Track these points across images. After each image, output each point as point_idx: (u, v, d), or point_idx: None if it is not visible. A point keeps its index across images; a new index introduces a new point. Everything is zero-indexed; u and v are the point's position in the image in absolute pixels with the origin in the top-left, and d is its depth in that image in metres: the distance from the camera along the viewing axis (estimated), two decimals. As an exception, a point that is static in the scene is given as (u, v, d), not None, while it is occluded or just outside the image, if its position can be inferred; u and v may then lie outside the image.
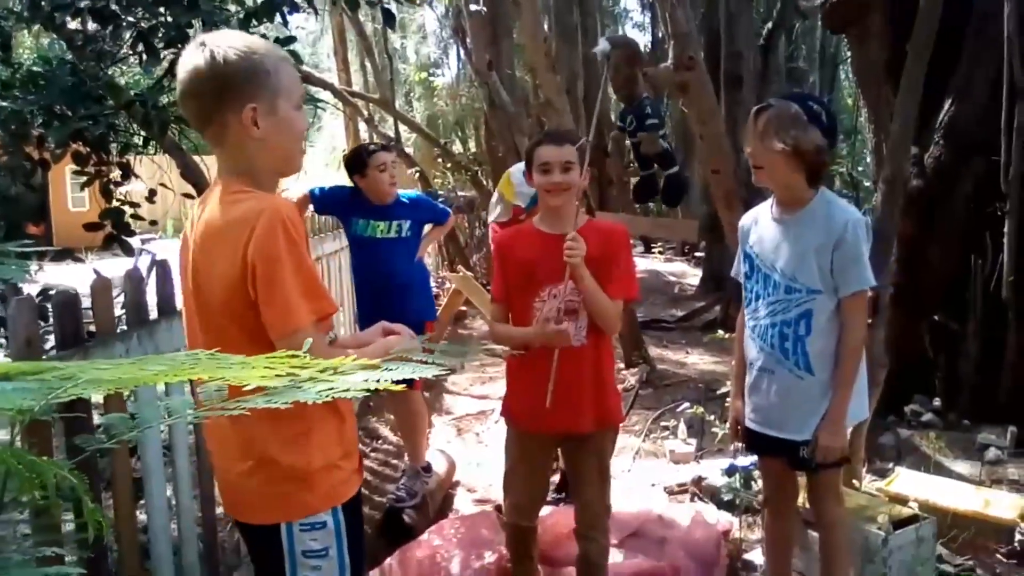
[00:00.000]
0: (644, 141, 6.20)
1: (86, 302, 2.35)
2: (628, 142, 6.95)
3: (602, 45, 3.94)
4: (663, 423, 5.23)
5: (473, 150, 15.77)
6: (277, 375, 0.85)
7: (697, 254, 13.14)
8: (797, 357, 2.53)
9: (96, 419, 2.44)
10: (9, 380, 0.88)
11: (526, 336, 2.59)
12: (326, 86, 10.89)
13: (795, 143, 2.42)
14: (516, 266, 2.67)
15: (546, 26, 10.99)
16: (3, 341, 4.00)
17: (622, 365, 6.41)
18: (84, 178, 3.76)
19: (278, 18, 3.43)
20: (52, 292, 2.64)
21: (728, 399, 4.34)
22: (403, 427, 4.25)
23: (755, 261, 2.65)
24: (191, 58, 1.66)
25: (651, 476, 4.38)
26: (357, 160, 3.83)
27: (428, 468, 4.07)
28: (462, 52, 13.18)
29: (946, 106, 5.01)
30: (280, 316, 1.60)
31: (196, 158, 4.15)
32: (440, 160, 13.93)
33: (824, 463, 2.52)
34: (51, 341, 2.30)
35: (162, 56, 3.33)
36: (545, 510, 3.14)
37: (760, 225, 2.68)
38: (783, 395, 2.57)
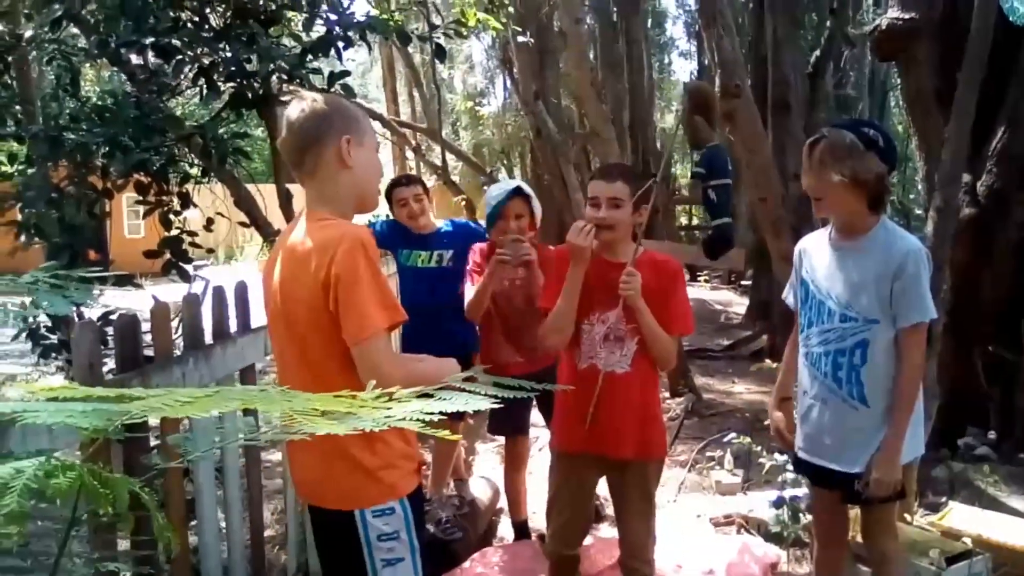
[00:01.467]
0: (689, 187, 6.23)
1: (144, 326, 2.42)
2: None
3: (680, 89, 4.01)
4: (709, 454, 5.17)
5: (519, 177, 15.88)
6: (338, 411, 0.89)
7: (744, 283, 13.04)
8: (851, 387, 2.49)
9: (152, 441, 2.52)
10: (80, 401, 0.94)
11: (570, 282, 2.62)
12: (375, 116, 11.10)
13: (852, 173, 2.38)
14: None
15: (592, 56, 11.09)
16: (62, 363, 4.15)
17: (667, 394, 6.37)
18: (141, 207, 3.89)
19: (332, 52, 3.54)
20: (113, 316, 2.73)
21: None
22: (437, 455, 4.24)
23: (810, 288, 2.62)
24: (294, 107, 1.96)
25: (697, 507, 4.33)
26: (386, 196, 3.89)
27: (456, 497, 4.11)
28: (509, 82, 13.33)
29: (998, 133, 4.94)
30: (357, 323, 1.81)
31: (250, 187, 4.26)
32: (486, 188, 14.05)
33: (878, 497, 2.47)
34: (111, 364, 2.38)
35: (222, 89, 3.44)
36: (588, 540, 3.13)
37: (816, 252, 2.65)
38: (836, 425, 2.53)
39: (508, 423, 3.70)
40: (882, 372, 2.46)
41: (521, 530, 3.93)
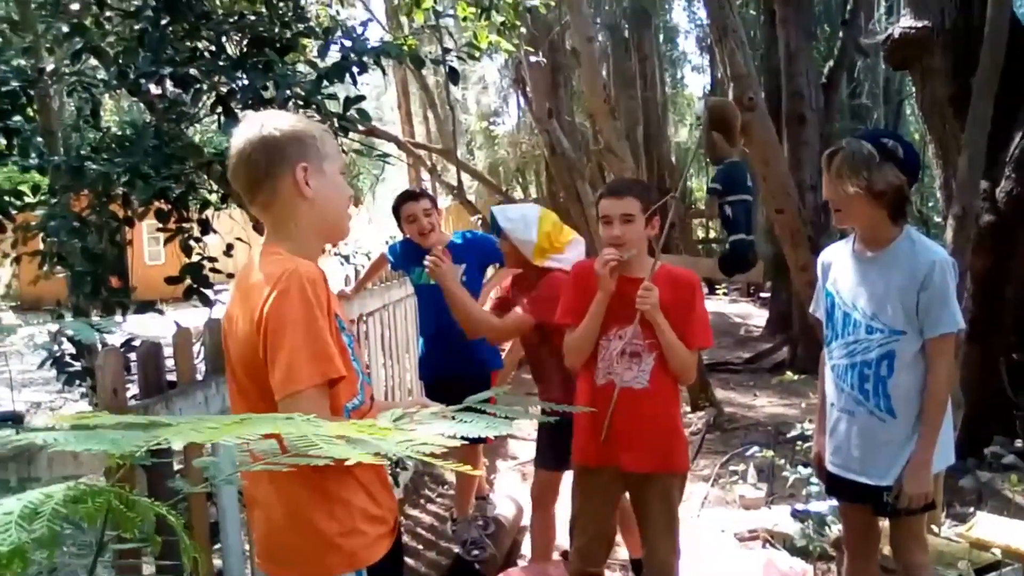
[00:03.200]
0: (706, 203, 6.22)
1: (166, 351, 2.45)
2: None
3: (699, 106, 4.00)
4: (732, 468, 5.14)
5: (534, 196, 15.93)
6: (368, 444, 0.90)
7: (763, 295, 12.98)
8: (879, 399, 2.47)
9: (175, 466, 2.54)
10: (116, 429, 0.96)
11: (595, 305, 2.62)
12: (390, 138, 11.18)
13: (868, 184, 2.38)
14: (589, 296, 2.67)
15: (605, 73, 11.15)
16: (85, 390, 4.20)
17: (688, 408, 6.34)
18: (162, 234, 3.94)
19: (348, 78, 3.59)
20: (135, 343, 2.77)
21: (798, 442, 4.29)
22: (460, 477, 4.21)
23: (835, 299, 2.61)
24: (243, 132, 1.76)
25: (721, 522, 4.30)
26: (393, 213, 3.87)
27: (480, 517, 4.07)
28: (522, 101, 13.40)
29: (1016, 139, 4.91)
30: (283, 377, 1.59)
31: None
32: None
33: (910, 509, 2.45)
34: (133, 389, 2.41)
35: (240, 117, 3.50)
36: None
37: (840, 263, 2.64)
38: (864, 438, 2.51)
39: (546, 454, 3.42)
40: (909, 383, 2.44)
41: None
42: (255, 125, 1.74)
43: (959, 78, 5.08)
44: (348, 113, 3.45)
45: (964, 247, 4.00)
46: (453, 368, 3.78)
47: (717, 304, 13.66)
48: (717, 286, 15.43)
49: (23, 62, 4.00)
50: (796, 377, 5.11)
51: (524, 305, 3.04)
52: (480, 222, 11.28)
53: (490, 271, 4.19)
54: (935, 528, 3.48)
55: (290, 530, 1.76)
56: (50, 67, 3.84)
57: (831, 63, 10.86)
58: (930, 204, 15.51)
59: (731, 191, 5.77)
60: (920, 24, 5.26)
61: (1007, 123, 4.80)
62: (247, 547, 2.85)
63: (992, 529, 3.55)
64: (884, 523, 2.74)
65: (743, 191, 5.70)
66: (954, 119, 5.21)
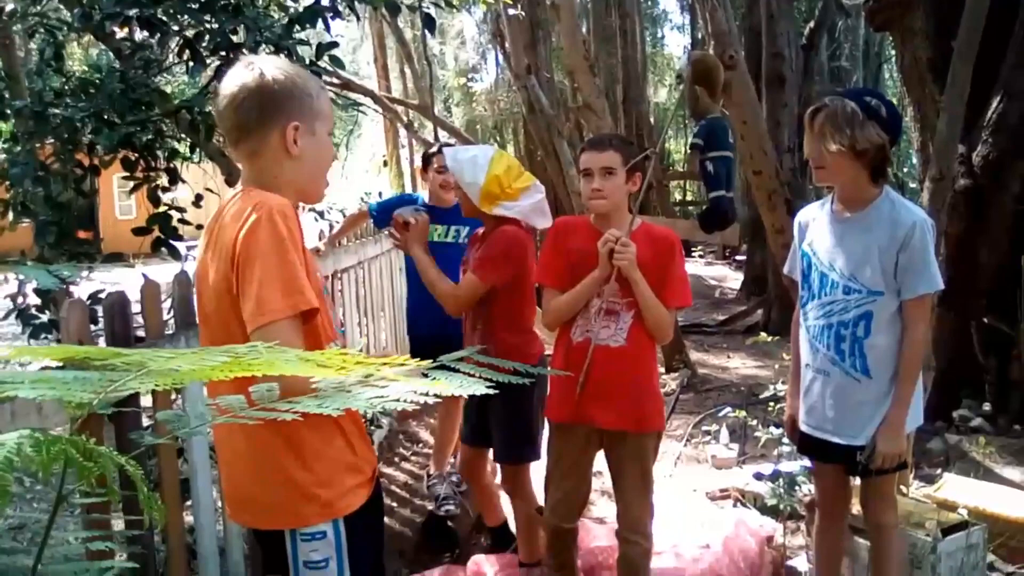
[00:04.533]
0: (687, 159, 6.19)
1: (135, 306, 2.39)
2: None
3: (682, 60, 3.92)
4: (705, 428, 5.18)
5: (512, 153, 15.81)
6: (332, 369, 0.86)
7: (738, 257, 13.03)
8: (855, 359, 2.47)
9: (144, 420, 2.49)
10: (76, 368, 0.91)
11: (589, 282, 2.57)
12: (366, 92, 11.00)
13: (852, 142, 2.36)
14: (568, 254, 2.67)
15: (584, 29, 11.01)
16: (54, 344, 4.11)
17: (663, 370, 6.37)
18: (132, 184, 3.84)
19: (320, 24, 3.48)
20: (102, 296, 2.70)
21: (771, 403, 4.32)
22: (440, 434, 4.19)
23: (811, 260, 2.60)
24: (239, 74, 1.71)
25: (693, 481, 4.34)
26: (424, 158, 3.88)
27: (454, 473, 4.05)
28: (500, 57, 13.23)
29: (994, 103, 4.90)
30: (254, 307, 1.56)
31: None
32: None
33: (882, 469, 2.47)
34: (101, 343, 2.35)
35: (208, 63, 3.39)
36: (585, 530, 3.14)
37: (818, 223, 2.62)
38: (839, 398, 2.51)
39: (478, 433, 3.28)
40: (885, 344, 2.45)
41: (500, 537, 3.52)
42: (253, 71, 1.69)
43: (940, 40, 5.05)
44: (321, 60, 3.36)
45: (940, 210, 4.00)
46: (449, 329, 3.72)
47: (692, 266, 13.69)
48: (693, 248, 15.47)
49: (-18, 1, 3.85)
50: (770, 339, 5.12)
51: (473, 268, 2.91)
52: (456, 180, 11.18)
53: None
54: (903, 489, 3.52)
55: (263, 480, 1.73)
56: (10, 6, 3.69)
57: (811, 24, 10.79)
58: (904, 170, 15.60)
59: (713, 147, 5.73)
60: (903, -15, 5.21)
61: (985, 87, 4.79)
62: (219, 503, 2.82)
63: (959, 490, 3.60)
64: (855, 483, 2.76)
65: (725, 147, 5.65)
66: (933, 82, 5.19)
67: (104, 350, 0.80)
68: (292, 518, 1.73)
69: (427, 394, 1.08)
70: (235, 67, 1.75)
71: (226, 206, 1.72)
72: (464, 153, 3.01)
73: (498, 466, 3.31)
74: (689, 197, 21.97)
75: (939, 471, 4.09)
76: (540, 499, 3.05)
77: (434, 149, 3.94)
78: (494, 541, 3.53)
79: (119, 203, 20.11)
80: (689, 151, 6.21)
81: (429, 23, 3.70)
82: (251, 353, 0.81)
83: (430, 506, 3.97)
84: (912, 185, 12.44)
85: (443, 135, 12.75)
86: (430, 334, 3.73)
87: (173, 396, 2.62)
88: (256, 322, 1.56)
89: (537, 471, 3.07)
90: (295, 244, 1.62)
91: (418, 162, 4.11)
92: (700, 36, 16.78)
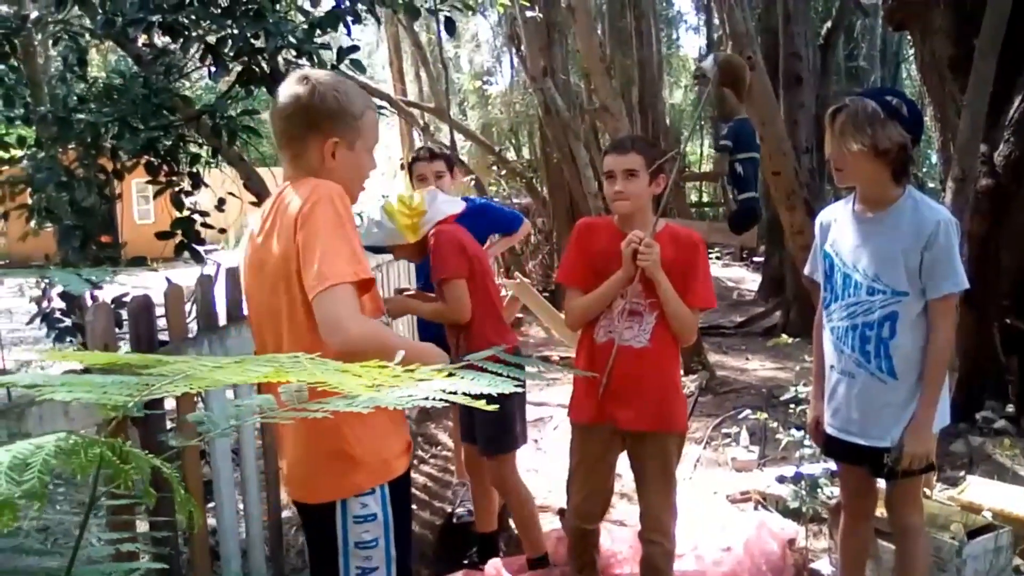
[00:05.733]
0: (716, 161, 6.15)
1: (158, 309, 2.41)
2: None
3: (708, 62, 3.88)
4: (725, 430, 5.15)
5: (527, 157, 15.80)
6: (370, 381, 0.86)
7: (756, 259, 12.97)
8: (880, 360, 2.45)
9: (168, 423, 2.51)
10: (110, 373, 0.91)
11: (613, 282, 2.58)
12: (382, 96, 11.02)
13: (873, 142, 2.35)
14: (591, 255, 2.68)
15: (600, 31, 10.99)
16: (78, 347, 4.15)
17: (682, 371, 6.35)
18: (151, 189, 3.87)
19: (341, 28, 3.49)
20: (126, 299, 2.72)
21: (791, 405, 4.29)
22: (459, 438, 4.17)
23: (834, 261, 2.58)
24: (294, 87, 1.89)
25: (713, 484, 4.32)
26: (408, 168, 3.73)
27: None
28: (516, 59, 13.23)
29: (1016, 102, 4.86)
30: (318, 271, 1.70)
31: (260, 171, 4.22)
32: (495, 167, 13.99)
33: (909, 470, 2.45)
34: (125, 346, 2.37)
35: (230, 67, 3.41)
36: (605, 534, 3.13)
37: (840, 224, 2.60)
38: (864, 399, 2.49)
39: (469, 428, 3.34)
40: (911, 344, 2.42)
41: (486, 545, 3.47)
42: (307, 84, 1.88)
43: (960, 39, 5.01)
44: (342, 64, 3.37)
45: (963, 210, 3.96)
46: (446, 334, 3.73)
47: (710, 268, 13.63)
48: (709, 250, 15.38)
49: (6, 9, 3.88)
50: (790, 341, 5.10)
51: (439, 276, 2.99)
52: (474, 183, 11.19)
53: (493, 238, 4.06)
54: (928, 491, 3.49)
55: (310, 455, 1.89)
56: (34, 15, 3.73)
57: (829, 24, 10.73)
58: (924, 169, 15.47)
59: (741, 148, 5.68)
60: (923, -17, 5.17)
61: (1007, 86, 4.75)
62: (240, 504, 2.84)
63: (983, 493, 3.56)
64: (880, 485, 2.74)
65: (752, 148, 5.60)
66: (953, 81, 5.15)
67: (147, 357, 0.80)
68: (341, 487, 1.88)
69: (456, 392, 1.08)
70: (291, 79, 1.93)
71: (280, 197, 1.88)
72: (369, 226, 3.06)
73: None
74: (705, 199, 21.90)
75: (962, 473, 4.05)
76: (531, 491, 3.06)
77: (413, 156, 3.76)
78: (480, 548, 3.47)
79: (137, 207, 20.25)
80: (717, 153, 6.18)
81: (450, 26, 3.70)
82: (293, 364, 0.81)
83: (449, 509, 3.97)
84: (931, 185, 12.33)
85: (459, 138, 12.77)
86: (440, 335, 3.72)
87: (196, 399, 2.63)
88: (320, 285, 1.69)
89: (555, 473, 3.07)
90: (351, 222, 1.80)
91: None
92: (716, 37, 16.72)
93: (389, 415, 1.86)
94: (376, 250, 3.32)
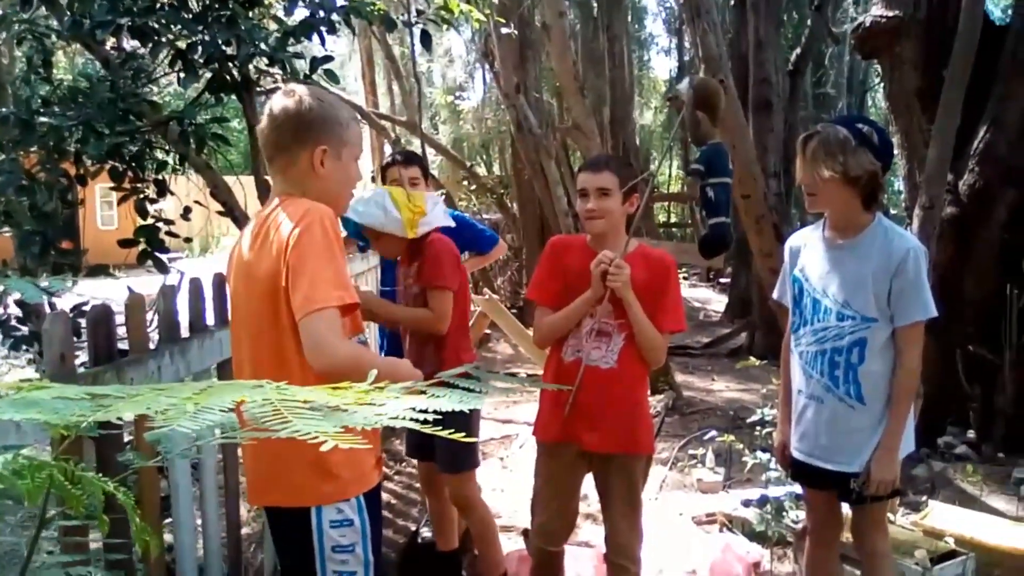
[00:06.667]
0: (688, 185, 6.17)
1: (118, 319, 2.34)
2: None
3: (683, 84, 3.87)
4: (691, 451, 5.15)
5: (498, 173, 15.81)
6: (334, 403, 0.83)
7: (722, 280, 13.07)
8: (848, 386, 2.46)
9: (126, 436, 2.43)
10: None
11: (581, 303, 2.56)
12: (354, 108, 10.96)
13: (844, 169, 2.37)
14: (562, 273, 2.65)
15: (573, 50, 11.05)
16: (35, 356, 4.04)
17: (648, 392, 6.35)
18: (115, 196, 3.78)
19: (315, 38, 3.44)
20: (86, 307, 2.64)
21: (757, 427, 4.30)
22: None
23: (804, 286, 2.59)
24: (281, 100, 1.96)
25: (679, 506, 4.30)
26: (381, 172, 3.62)
27: None
28: (488, 75, 13.25)
29: (980, 133, 4.95)
30: (306, 294, 1.75)
31: (228, 179, 4.15)
32: (466, 183, 13.98)
33: (876, 496, 2.45)
34: (83, 356, 2.29)
35: (200, 74, 3.34)
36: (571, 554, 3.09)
37: (810, 249, 2.61)
38: (832, 424, 2.50)
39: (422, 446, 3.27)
40: (879, 371, 2.44)
41: (447, 564, 3.43)
42: (294, 97, 1.94)
43: (929, 69, 5.11)
44: (315, 74, 3.32)
45: (930, 238, 4.01)
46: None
47: (676, 288, 13.70)
48: (678, 270, 15.48)
49: (-32, 8, 3.79)
50: (758, 363, 5.12)
51: (434, 282, 2.93)
52: (444, 197, 11.14)
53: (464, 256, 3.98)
54: (890, 516, 3.51)
55: (289, 461, 1.88)
56: (-2, 14, 3.64)
57: (798, 51, 10.90)
58: (886, 197, 15.74)
59: (713, 173, 5.67)
60: (892, 13, 5.27)
61: (972, 117, 4.84)
62: (199, 520, 2.76)
63: (946, 518, 3.60)
64: (846, 511, 2.74)
65: (724, 174, 5.61)
66: (921, 111, 5.24)
67: (107, 393, 0.76)
68: (315, 495, 1.89)
69: (426, 411, 1.05)
70: (279, 94, 1.99)
71: (269, 213, 1.93)
72: (362, 205, 2.98)
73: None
74: (674, 219, 22.08)
75: (924, 498, 4.08)
76: (496, 510, 3.02)
77: (388, 160, 3.65)
78: (441, 567, 3.42)
79: (101, 213, 19.92)
80: (689, 177, 6.22)
81: (426, 40, 3.67)
82: (256, 392, 0.77)
83: (414, 528, 3.91)
84: (894, 212, 12.54)
85: (430, 152, 12.74)
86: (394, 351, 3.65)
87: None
88: (307, 309, 1.74)
89: (520, 492, 3.03)
90: (339, 247, 1.84)
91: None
92: (687, 59, 16.91)
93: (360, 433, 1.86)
94: (356, 233, 3.20)
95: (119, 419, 2.07)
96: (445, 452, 3.08)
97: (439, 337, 2.97)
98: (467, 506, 3.15)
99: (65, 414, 0.69)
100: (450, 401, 1.19)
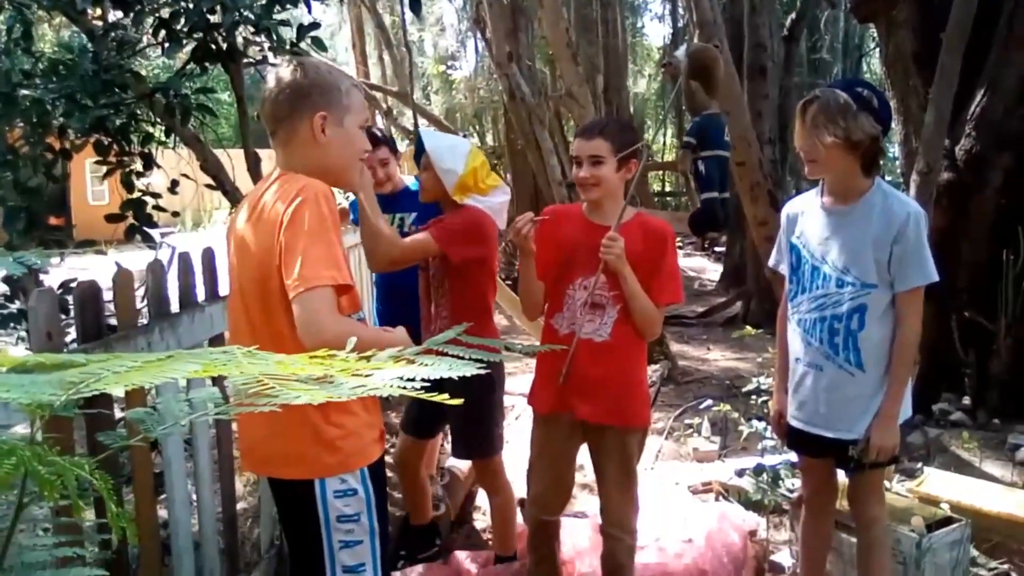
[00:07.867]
0: (679, 158, 6.10)
1: (107, 295, 2.30)
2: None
3: (679, 52, 3.79)
4: (687, 421, 5.15)
5: (491, 143, 15.71)
6: (312, 374, 0.80)
7: (717, 249, 13.03)
8: (848, 353, 2.44)
9: (118, 413, 2.41)
10: (29, 373, 0.84)
11: (523, 268, 2.60)
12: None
13: (846, 133, 2.33)
14: (556, 245, 2.61)
15: (566, 17, 10.93)
16: (24, 334, 4.00)
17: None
18: (105, 169, 3.73)
19: (302, 5, 3.37)
20: (73, 284, 2.60)
21: (753, 396, 4.30)
22: None
23: (802, 253, 2.56)
24: (279, 71, 1.96)
25: (675, 475, 4.31)
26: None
27: (442, 474, 3.98)
28: (481, 44, 13.12)
29: (977, 98, 4.90)
30: (299, 275, 1.73)
31: (217, 152, 4.10)
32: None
33: (875, 462, 2.44)
34: (72, 334, 2.26)
35: (184, 44, 3.28)
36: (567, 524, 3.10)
37: (808, 216, 2.58)
38: (832, 392, 2.48)
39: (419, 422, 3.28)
40: (879, 337, 2.42)
41: (423, 536, 3.45)
42: (292, 68, 1.94)
43: (925, 33, 5.04)
44: (302, 42, 3.26)
45: (927, 203, 3.98)
46: (403, 323, 3.63)
47: (671, 257, 13.67)
48: (672, 239, 15.44)
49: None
50: (754, 332, 5.11)
51: (433, 231, 2.80)
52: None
53: None
54: (886, 482, 3.51)
55: (289, 434, 1.87)
56: (-25, -17, 3.56)
57: (793, 15, 10.79)
58: (881, 162, 15.67)
59: (705, 146, 5.58)
60: (889, -24, 5.19)
61: (969, 81, 4.79)
62: (193, 496, 2.75)
63: (941, 485, 3.60)
64: (842, 479, 2.74)
65: (718, 146, 5.47)
66: (917, 75, 5.18)
67: (61, 358, 0.73)
68: (318, 468, 1.89)
69: (413, 380, 1.03)
70: (278, 68, 1.99)
71: (266, 187, 1.92)
72: (443, 140, 2.96)
73: (434, 461, 3.31)
74: (668, 188, 22.00)
75: (920, 465, 4.09)
76: (518, 490, 3.03)
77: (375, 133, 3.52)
78: (415, 541, 3.42)
79: (92, 188, 19.77)
80: (681, 150, 6.13)
81: (415, 6, 3.59)
82: (223, 359, 0.74)
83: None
84: (889, 178, 12.49)
85: (422, 122, 12.64)
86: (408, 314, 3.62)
87: (149, 390, 2.53)
88: (299, 288, 1.73)
89: (516, 463, 3.03)
90: (335, 225, 1.82)
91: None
92: (681, 25, 16.75)
93: (362, 401, 1.88)
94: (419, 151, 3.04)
95: (109, 396, 2.05)
96: (473, 437, 3.07)
97: (457, 305, 2.90)
98: (495, 487, 3.19)
99: (34, 392, 0.66)
100: (438, 368, 1.16)
